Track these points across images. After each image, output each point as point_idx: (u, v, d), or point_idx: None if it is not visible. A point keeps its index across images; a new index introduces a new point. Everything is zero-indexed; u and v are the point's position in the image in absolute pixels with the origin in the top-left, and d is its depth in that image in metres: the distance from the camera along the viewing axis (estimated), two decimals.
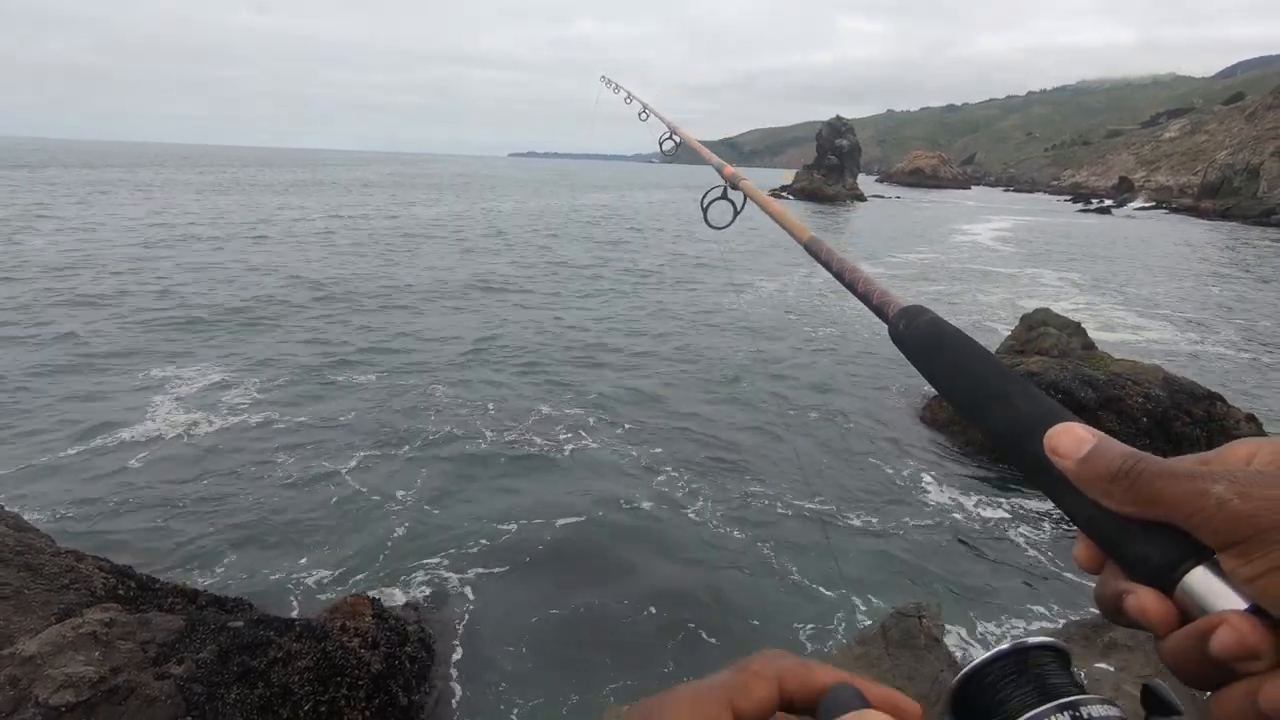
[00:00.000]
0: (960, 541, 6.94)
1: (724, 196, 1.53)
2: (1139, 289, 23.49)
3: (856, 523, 7.18)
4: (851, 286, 0.81)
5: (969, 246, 35.25)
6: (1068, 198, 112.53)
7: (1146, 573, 0.42)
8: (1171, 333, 16.87)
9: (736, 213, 1.52)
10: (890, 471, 8.41)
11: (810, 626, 5.57)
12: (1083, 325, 11.57)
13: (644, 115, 3.10)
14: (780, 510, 7.32)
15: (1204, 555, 0.40)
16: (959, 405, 0.57)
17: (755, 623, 5.56)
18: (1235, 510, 0.38)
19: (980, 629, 5.63)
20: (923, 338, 0.63)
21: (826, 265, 0.91)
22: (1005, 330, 14.22)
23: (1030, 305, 15.41)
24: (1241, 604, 0.38)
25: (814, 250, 0.97)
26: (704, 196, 1.54)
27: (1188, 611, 0.40)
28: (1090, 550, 0.46)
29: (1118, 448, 0.44)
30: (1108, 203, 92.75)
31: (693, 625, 5.45)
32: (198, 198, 44.55)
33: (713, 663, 4.94)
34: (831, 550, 6.65)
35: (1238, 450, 0.44)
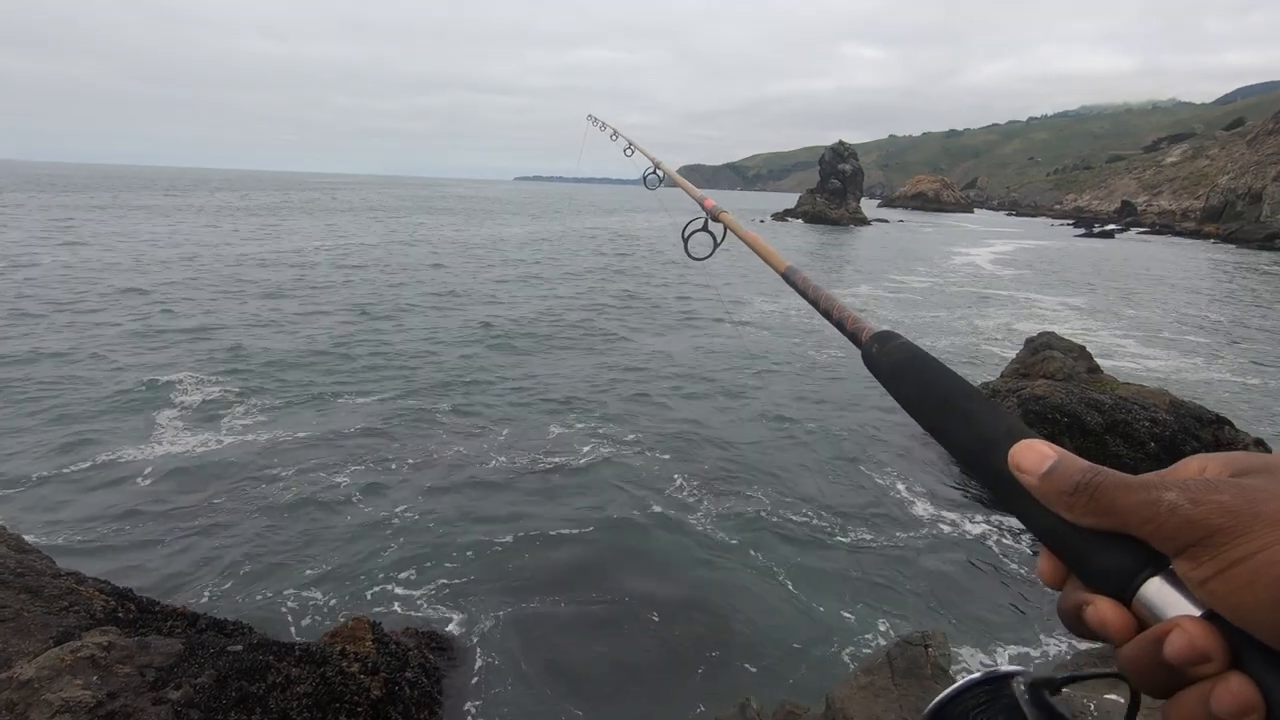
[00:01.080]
0: (971, 564, 6.86)
1: (704, 229, 1.56)
2: (1142, 312, 23.46)
3: (862, 542, 7.11)
4: (827, 314, 0.84)
5: (969, 270, 35.32)
6: (1070, 221, 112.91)
7: (1106, 584, 0.43)
8: (1177, 356, 16.79)
9: (716, 244, 1.54)
10: (895, 489, 8.34)
11: (814, 650, 5.48)
12: (1086, 349, 11.53)
13: (629, 151, 3.27)
14: (785, 531, 7.25)
15: (1160, 564, 0.41)
16: (928, 425, 0.59)
17: (759, 646, 5.48)
18: (1186, 515, 0.40)
19: (987, 658, 5.54)
20: (893, 361, 0.65)
21: (803, 294, 0.93)
22: (1003, 354, 14.20)
23: (1030, 329, 15.40)
24: (1195, 611, 0.39)
25: (791, 280, 1.00)
26: (685, 229, 1.57)
27: (1145, 621, 0.41)
28: (1053, 565, 0.48)
29: (1079, 463, 0.46)
30: (1110, 226, 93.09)
31: (701, 653, 5.38)
32: (210, 222, 45.02)
33: (714, 685, 4.87)
34: (838, 571, 6.57)
35: (1191, 464, 0.46)
